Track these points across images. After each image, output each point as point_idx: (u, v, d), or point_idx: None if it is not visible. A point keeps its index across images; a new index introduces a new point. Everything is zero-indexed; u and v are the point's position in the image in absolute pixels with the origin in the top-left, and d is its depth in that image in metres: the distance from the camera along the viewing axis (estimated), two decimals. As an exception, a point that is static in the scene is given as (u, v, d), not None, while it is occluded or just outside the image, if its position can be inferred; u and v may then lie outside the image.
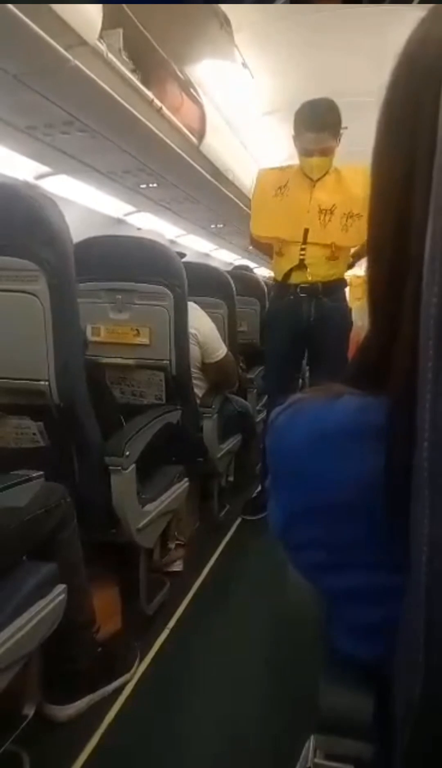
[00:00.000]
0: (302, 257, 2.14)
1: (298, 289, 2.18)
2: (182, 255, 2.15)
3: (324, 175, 2.12)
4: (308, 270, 2.15)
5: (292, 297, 2.20)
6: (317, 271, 2.15)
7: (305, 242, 2.11)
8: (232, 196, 3.47)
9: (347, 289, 2.34)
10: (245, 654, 1.57)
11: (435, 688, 0.30)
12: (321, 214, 2.08)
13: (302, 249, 2.12)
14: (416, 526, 0.28)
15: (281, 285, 2.25)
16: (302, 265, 2.16)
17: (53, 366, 1.21)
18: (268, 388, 2.61)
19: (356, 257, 2.23)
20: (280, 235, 2.16)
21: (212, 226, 4.62)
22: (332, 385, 0.41)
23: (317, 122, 2.03)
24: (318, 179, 2.11)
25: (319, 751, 0.45)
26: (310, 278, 2.15)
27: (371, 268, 0.38)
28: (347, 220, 2.06)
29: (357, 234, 2.06)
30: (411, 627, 0.30)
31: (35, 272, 1.15)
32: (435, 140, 0.27)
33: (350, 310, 2.29)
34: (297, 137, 2.10)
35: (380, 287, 0.37)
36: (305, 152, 2.08)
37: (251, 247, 2.64)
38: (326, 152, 2.06)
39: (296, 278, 2.19)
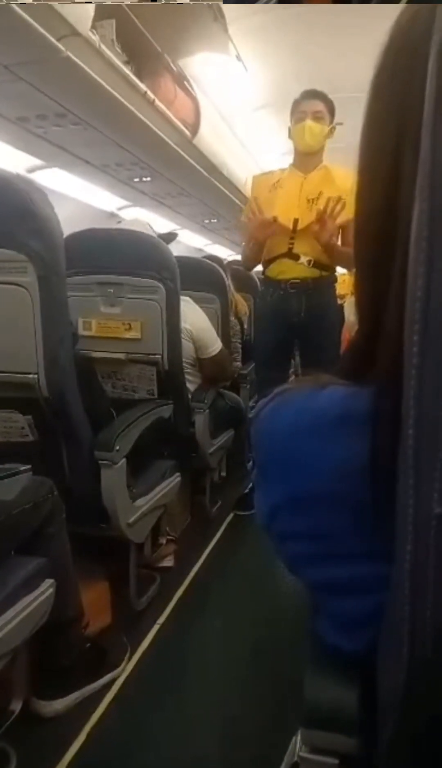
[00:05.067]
0: (290, 246, 2.13)
1: (288, 285, 2.17)
2: (173, 236, 2.11)
3: (313, 169, 2.13)
4: (301, 259, 2.13)
5: (281, 293, 2.19)
6: (307, 252, 2.12)
7: (294, 231, 2.10)
8: (226, 190, 3.45)
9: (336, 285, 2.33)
10: (236, 649, 1.56)
11: (419, 678, 0.29)
12: (309, 203, 2.08)
13: (291, 239, 2.12)
14: (401, 511, 0.27)
15: (270, 281, 2.25)
16: (291, 255, 2.14)
17: (42, 359, 1.19)
18: (258, 384, 2.62)
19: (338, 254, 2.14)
20: (276, 214, 2.10)
21: (206, 221, 4.61)
22: (319, 375, 0.40)
23: (311, 92, 2.10)
24: (308, 173, 2.12)
25: (305, 745, 0.44)
26: (301, 272, 2.14)
27: (357, 248, 0.37)
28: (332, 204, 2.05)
29: (342, 214, 2.02)
30: (395, 617, 0.30)
31: (24, 263, 1.13)
32: (422, 118, 0.26)
33: (341, 305, 2.29)
34: (292, 114, 2.12)
35: (366, 267, 0.36)
36: (299, 118, 2.09)
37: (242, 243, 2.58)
38: (318, 117, 2.07)
39: (284, 273, 2.18)
